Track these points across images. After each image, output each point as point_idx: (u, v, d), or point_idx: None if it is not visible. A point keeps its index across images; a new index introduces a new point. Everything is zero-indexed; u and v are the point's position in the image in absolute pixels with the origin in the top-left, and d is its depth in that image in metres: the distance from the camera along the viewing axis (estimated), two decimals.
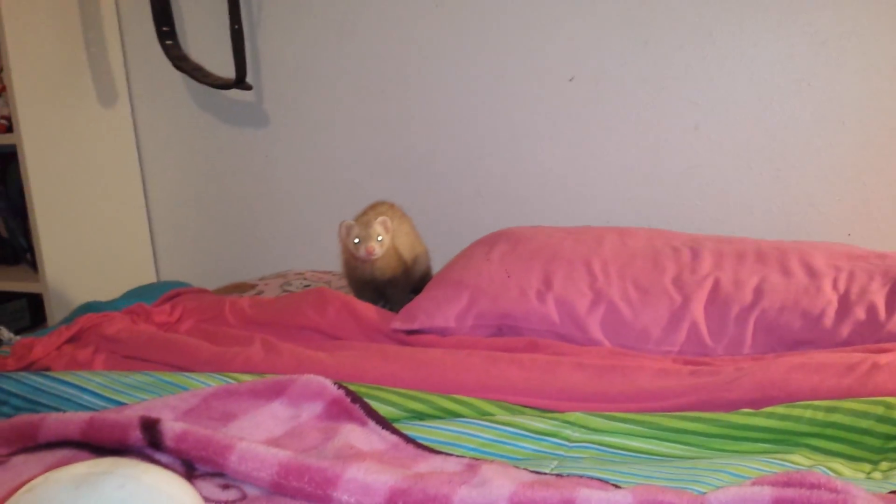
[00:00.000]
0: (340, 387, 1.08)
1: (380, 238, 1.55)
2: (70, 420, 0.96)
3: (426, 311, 1.46)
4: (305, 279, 1.93)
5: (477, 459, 0.98)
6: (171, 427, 0.92)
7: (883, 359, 1.16)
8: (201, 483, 0.89)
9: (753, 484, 0.80)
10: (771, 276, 1.44)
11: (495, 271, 1.52)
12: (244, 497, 0.87)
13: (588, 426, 1.08)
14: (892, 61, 1.72)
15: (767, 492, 0.76)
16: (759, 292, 1.40)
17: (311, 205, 2.25)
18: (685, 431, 1.05)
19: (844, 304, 1.36)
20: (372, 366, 1.27)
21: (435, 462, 0.98)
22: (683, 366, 1.25)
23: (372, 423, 1.05)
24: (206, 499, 0.85)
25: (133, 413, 0.98)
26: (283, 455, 0.88)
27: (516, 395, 1.19)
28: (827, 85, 1.77)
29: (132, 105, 2.38)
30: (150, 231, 2.44)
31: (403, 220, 1.70)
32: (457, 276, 1.54)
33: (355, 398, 1.07)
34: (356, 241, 1.55)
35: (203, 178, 2.36)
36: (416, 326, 1.45)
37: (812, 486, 0.78)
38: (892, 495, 0.85)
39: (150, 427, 0.93)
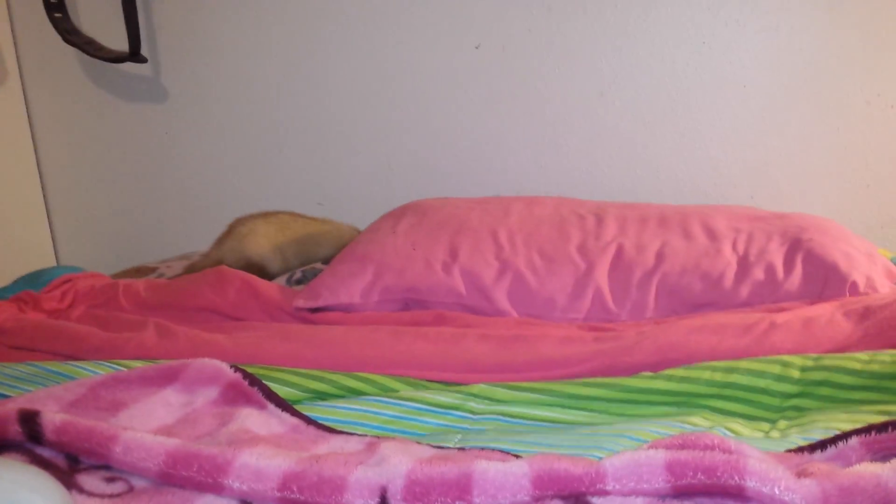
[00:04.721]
0: (237, 370, 1.03)
1: None
2: None
3: (329, 287, 1.42)
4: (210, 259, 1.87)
5: (379, 437, 0.96)
6: (52, 419, 0.87)
7: (780, 318, 1.18)
8: (86, 477, 0.84)
9: (649, 448, 0.80)
10: (672, 240, 1.45)
11: (401, 244, 1.50)
12: (131, 489, 0.83)
13: (492, 397, 1.07)
14: (791, 22, 1.75)
15: (661, 455, 0.76)
16: (660, 256, 1.41)
17: (215, 182, 2.18)
18: (587, 398, 1.05)
19: (744, 266, 1.38)
20: (272, 346, 1.23)
21: (335, 443, 0.95)
22: (588, 332, 1.25)
23: (271, 406, 1.02)
24: (89, 493, 0.81)
25: (13, 406, 0.92)
26: (170, 444, 0.84)
27: (421, 370, 1.17)
28: (727, 47, 1.80)
29: (23, 82, 2.26)
30: (48, 214, 2.33)
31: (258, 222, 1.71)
32: (361, 250, 1.51)
33: (253, 381, 1.03)
34: None
35: (102, 156, 2.26)
36: (319, 304, 1.41)
37: (706, 448, 0.78)
38: (787, 453, 0.86)
39: (29, 420, 0.87)
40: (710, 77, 1.82)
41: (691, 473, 0.73)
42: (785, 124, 1.82)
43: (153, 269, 1.81)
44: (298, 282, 1.62)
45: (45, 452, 0.87)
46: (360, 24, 1.98)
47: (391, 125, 2.03)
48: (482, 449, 0.90)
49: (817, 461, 0.81)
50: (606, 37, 1.84)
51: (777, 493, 0.70)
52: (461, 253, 1.46)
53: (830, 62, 1.77)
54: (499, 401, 1.06)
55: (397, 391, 1.11)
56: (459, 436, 1.00)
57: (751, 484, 0.70)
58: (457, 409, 1.05)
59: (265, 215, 1.76)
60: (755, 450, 0.79)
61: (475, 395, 1.07)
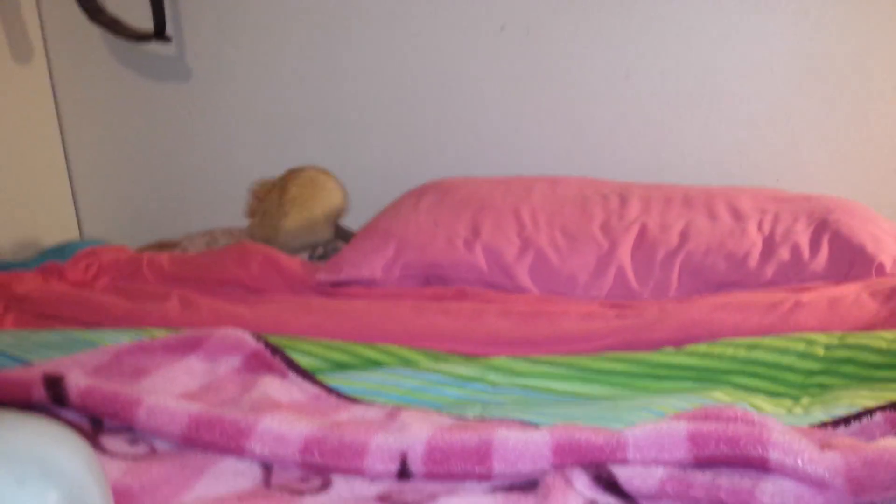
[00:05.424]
0: (259, 339, 1.04)
1: None
2: None
3: (352, 261, 1.43)
4: (233, 236, 1.88)
5: (399, 407, 0.96)
6: (76, 383, 0.88)
7: (805, 297, 1.17)
8: (109, 438, 0.85)
9: (671, 419, 0.79)
10: (697, 220, 1.44)
11: (423, 221, 1.50)
12: (154, 451, 0.84)
13: (512, 370, 1.06)
14: (820, 6, 1.72)
15: (683, 426, 0.75)
16: (684, 236, 1.40)
17: (237, 160, 2.19)
18: (608, 372, 1.05)
19: (769, 246, 1.37)
20: (294, 318, 1.23)
21: (356, 411, 0.95)
22: (609, 309, 1.24)
23: (292, 375, 1.02)
24: (112, 454, 0.82)
25: (39, 370, 0.93)
26: (193, 408, 0.85)
27: (442, 343, 1.17)
28: (755, 30, 1.77)
29: (49, 60, 2.27)
30: (73, 191, 2.35)
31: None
32: (384, 226, 1.51)
33: (275, 350, 1.04)
34: None
35: (126, 134, 2.27)
36: (341, 278, 1.41)
37: (729, 420, 0.78)
38: (810, 428, 0.85)
39: (54, 384, 0.89)
40: (738, 60, 1.80)
41: (714, 444, 0.73)
42: (812, 108, 1.80)
43: (176, 244, 1.82)
44: (320, 257, 1.62)
45: (69, 415, 0.88)
46: (384, 4, 1.97)
47: (414, 105, 2.02)
48: (502, 420, 0.89)
49: (841, 435, 0.81)
50: (633, 18, 1.82)
51: (800, 464, 0.69)
52: (483, 230, 1.46)
53: (859, 46, 1.74)
54: (519, 373, 1.06)
55: (418, 363, 1.11)
56: (479, 407, 1.00)
57: (774, 455, 0.70)
58: (477, 380, 1.05)
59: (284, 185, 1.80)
60: (778, 423, 0.79)
61: (495, 368, 1.07)
